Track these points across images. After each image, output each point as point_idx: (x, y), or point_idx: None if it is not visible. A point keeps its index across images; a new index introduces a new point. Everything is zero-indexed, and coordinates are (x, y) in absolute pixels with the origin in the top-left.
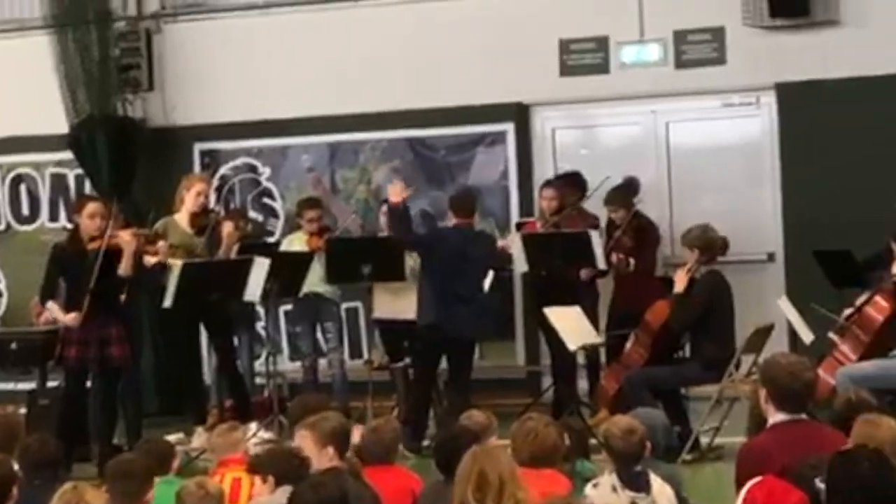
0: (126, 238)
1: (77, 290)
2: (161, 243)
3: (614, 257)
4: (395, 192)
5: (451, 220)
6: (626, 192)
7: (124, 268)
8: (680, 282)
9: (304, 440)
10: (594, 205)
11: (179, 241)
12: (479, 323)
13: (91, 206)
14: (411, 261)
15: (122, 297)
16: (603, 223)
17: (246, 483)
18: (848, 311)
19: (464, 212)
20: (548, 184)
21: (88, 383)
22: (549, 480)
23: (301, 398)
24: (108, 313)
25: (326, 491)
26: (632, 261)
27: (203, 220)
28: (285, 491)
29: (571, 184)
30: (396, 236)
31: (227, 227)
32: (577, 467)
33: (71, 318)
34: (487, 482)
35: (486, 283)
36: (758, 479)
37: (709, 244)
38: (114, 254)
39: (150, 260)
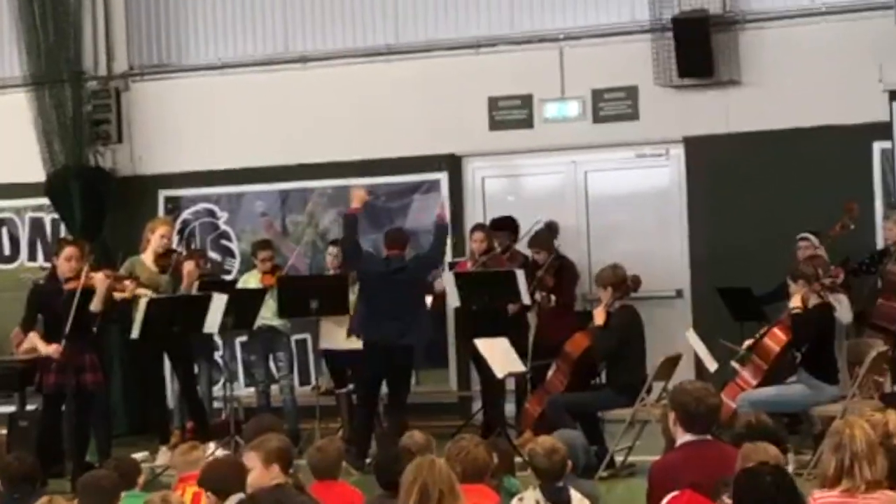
0: (99, 278)
1: (55, 323)
2: (128, 282)
3: (538, 295)
4: (358, 199)
5: (384, 253)
6: (547, 235)
7: (96, 304)
8: (599, 317)
9: (250, 460)
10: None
11: (146, 278)
12: (408, 333)
13: (68, 251)
14: (353, 296)
15: (94, 329)
16: None
17: (205, 498)
18: (748, 342)
19: (396, 245)
20: (478, 227)
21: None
22: (479, 494)
23: (255, 420)
24: (82, 343)
25: None
26: (553, 297)
27: (166, 260)
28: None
29: (506, 227)
30: (342, 243)
31: (189, 266)
32: (504, 483)
33: (53, 349)
34: (428, 493)
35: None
36: (675, 493)
37: (619, 281)
38: (88, 291)
39: (118, 296)
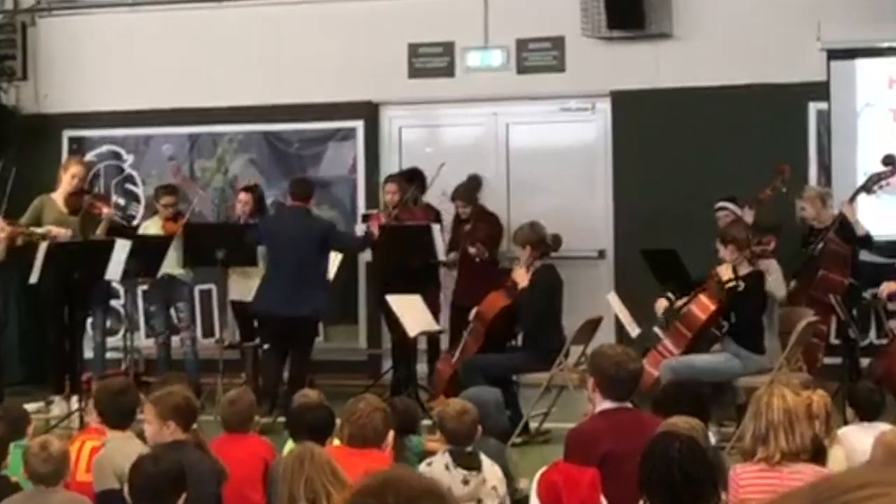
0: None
1: None
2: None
3: (473, 249)
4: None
5: (288, 202)
6: (471, 188)
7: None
8: (521, 278)
9: (147, 414)
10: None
11: (53, 219)
12: (306, 302)
13: None
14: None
15: None
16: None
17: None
18: (681, 303)
19: (299, 196)
20: (390, 178)
21: None
22: (370, 460)
23: (165, 378)
24: None
25: (166, 463)
26: (486, 250)
27: (77, 201)
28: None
29: (410, 178)
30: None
31: (106, 210)
32: (406, 442)
33: None
34: (313, 488)
35: (332, 270)
36: (546, 466)
37: (538, 240)
38: None
39: (18, 241)
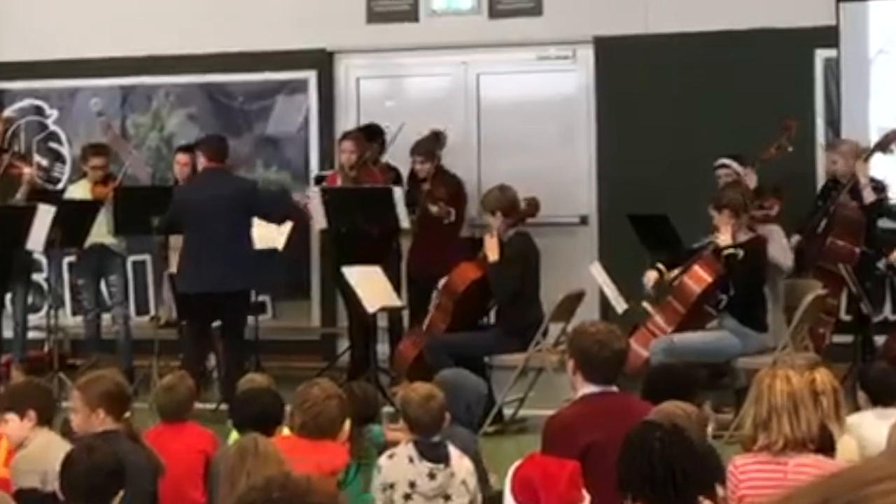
0: None
1: None
2: None
3: (434, 207)
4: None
5: (202, 164)
6: (432, 143)
7: None
8: (492, 250)
9: (74, 401)
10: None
11: None
12: (236, 275)
13: None
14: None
15: None
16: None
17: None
18: (672, 274)
19: (215, 156)
20: (346, 136)
21: None
22: (323, 452)
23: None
24: None
25: (100, 454)
26: (452, 210)
27: None
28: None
29: (369, 136)
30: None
31: (27, 172)
32: (366, 434)
33: None
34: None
35: (282, 238)
36: (521, 460)
37: (509, 205)
38: None
39: None
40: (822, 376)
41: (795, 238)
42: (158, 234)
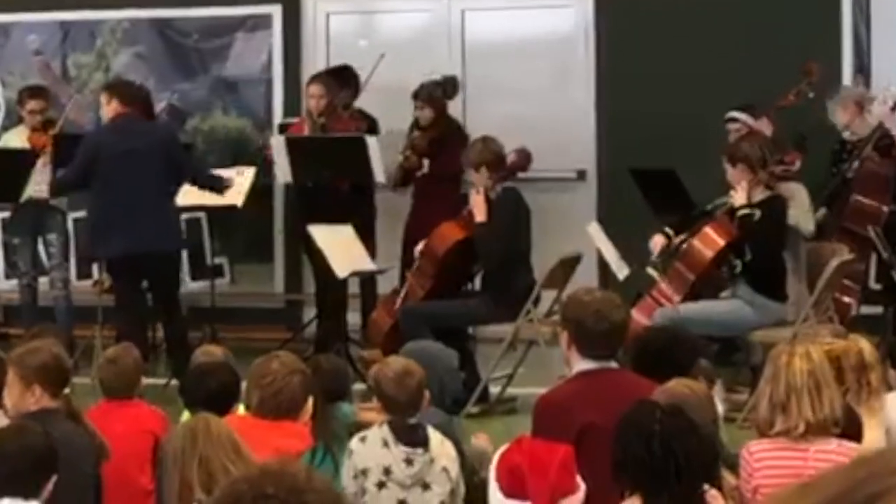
0: None
1: None
2: None
3: (400, 157)
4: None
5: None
6: (439, 89)
7: None
8: (479, 209)
9: (7, 376)
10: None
11: None
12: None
13: None
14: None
15: None
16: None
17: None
18: (681, 238)
19: (128, 100)
20: (314, 79)
21: None
22: (285, 434)
23: (33, 332)
24: None
25: (31, 437)
26: (426, 162)
27: None
28: None
29: (340, 79)
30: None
31: None
32: (333, 413)
33: None
34: (208, 470)
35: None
36: (507, 445)
37: (494, 159)
38: None
39: None
40: (850, 346)
41: (822, 211)
42: (69, 190)
